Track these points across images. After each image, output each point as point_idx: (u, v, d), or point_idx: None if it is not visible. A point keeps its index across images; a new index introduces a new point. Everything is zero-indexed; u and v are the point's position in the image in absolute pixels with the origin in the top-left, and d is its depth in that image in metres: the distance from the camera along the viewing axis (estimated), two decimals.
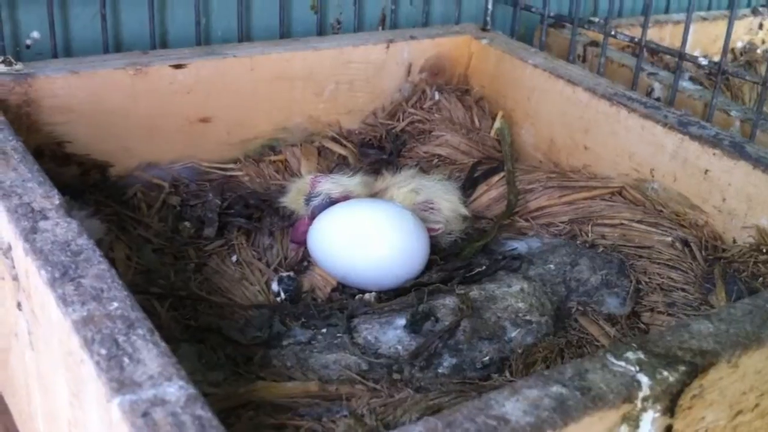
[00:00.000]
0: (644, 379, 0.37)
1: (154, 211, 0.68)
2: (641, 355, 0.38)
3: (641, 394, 0.36)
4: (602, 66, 0.81)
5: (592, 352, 0.55)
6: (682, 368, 0.38)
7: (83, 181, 0.70)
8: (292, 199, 0.67)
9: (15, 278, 0.46)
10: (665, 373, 0.37)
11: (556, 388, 0.36)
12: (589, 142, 0.73)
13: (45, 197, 0.48)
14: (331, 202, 0.65)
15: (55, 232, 0.44)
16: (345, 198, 0.65)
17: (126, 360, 0.35)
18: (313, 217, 0.64)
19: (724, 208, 0.63)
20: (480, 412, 0.34)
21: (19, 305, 0.47)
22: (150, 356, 0.36)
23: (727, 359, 0.39)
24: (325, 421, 0.42)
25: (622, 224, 0.66)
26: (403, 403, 0.44)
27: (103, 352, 0.36)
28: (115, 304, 0.39)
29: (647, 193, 0.68)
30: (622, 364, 0.38)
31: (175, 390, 0.34)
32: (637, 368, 0.37)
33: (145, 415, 0.32)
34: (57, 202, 0.48)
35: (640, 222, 0.65)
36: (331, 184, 0.66)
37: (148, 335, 0.37)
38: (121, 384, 0.34)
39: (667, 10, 1.13)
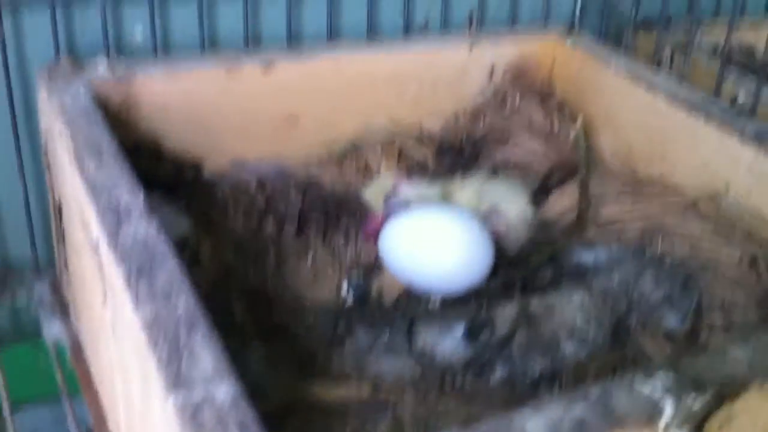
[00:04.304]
0: (668, 404, 0.38)
1: (240, 208, 0.72)
2: (670, 379, 0.39)
3: (664, 420, 0.38)
4: (687, 72, 0.80)
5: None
6: (709, 395, 0.39)
7: (178, 177, 0.74)
8: (373, 194, 0.70)
9: (101, 273, 0.51)
10: (690, 399, 0.38)
11: (579, 409, 0.37)
12: (667, 151, 0.73)
13: (131, 195, 0.52)
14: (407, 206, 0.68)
15: (137, 230, 0.49)
16: None
17: (184, 359, 0.39)
18: (387, 216, 0.67)
19: None
20: (501, 428, 0.36)
21: (105, 297, 0.52)
22: (206, 357, 0.39)
23: (759, 387, 0.40)
24: (368, 426, 0.45)
25: (692, 238, 0.66)
26: (446, 412, 0.47)
27: (165, 350, 0.39)
28: (182, 304, 0.43)
29: (721, 207, 0.68)
30: (649, 387, 0.39)
31: (224, 391, 0.37)
32: (664, 392, 0.39)
33: (194, 413, 0.36)
34: (142, 200, 0.52)
35: (710, 237, 0.65)
36: (412, 191, 0.69)
37: (207, 335, 0.41)
38: (176, 383, 0.38)
39: None
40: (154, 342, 0.40)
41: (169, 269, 0.45)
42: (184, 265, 0.63)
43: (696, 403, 0.38)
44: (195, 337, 0.40)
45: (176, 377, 0.38)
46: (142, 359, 0.41)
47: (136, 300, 0.43)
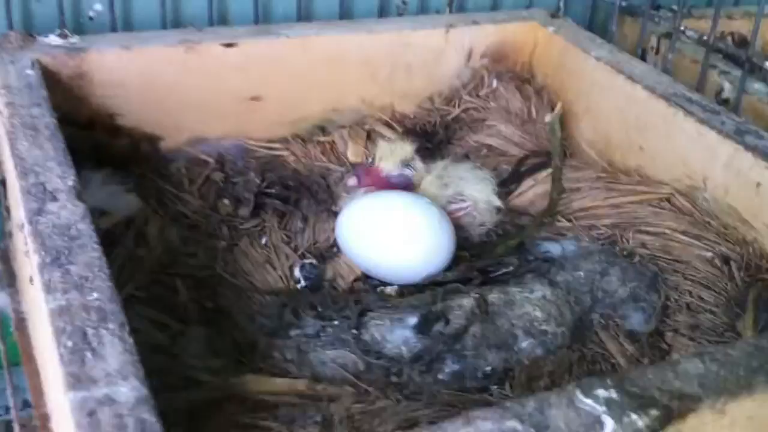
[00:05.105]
0: (608, 422, 0.35)
1: (195, 187, 0.69)
2: (613, 394, 0.36)
3: None
4: (670, 62, 0.77)
5: (604, 370, 0.53)
6: (654, 412, 0.36)
7: (133, 152, 0.71)
8: (385, 151, 0.67)
9: (27, 254, 0.48)
10: (634, 417, 0.35)
11: (511, 423, 0.34)
12: (645, 143, 0.70)
13: (60, 177, 0.49)
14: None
15: (59, 215, 0.46)
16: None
17: (89, 355, 0.36)
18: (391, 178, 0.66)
19: None
20: None
21: (30, 279, 0.49)
22: (113, 352, 0.36)
23: (711, 405, 0.37)
24: (295, 426, 0.42)
25: (664, 233, 0.63)
26: (382, 412, 0.44)
27: (69, 344, 0.37)
28: (95, 295, 0.40)
29: (698, 203, 0.65)
30: (590, 402, 0.36)
31: (127, 390, 0.34)
32: (605, 408, 0.36)
33: (91, 414, 0.33)
34: (71, 183, 0.49)
35: (683, 233, 0.62)
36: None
37: (118, 330, 0.38)
38: (77, 379, 0.35)
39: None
40: (59, 335, 0.37)
41: (89, 256, 0.42)
42: (130, 245, 0.60)
43: (640, 420, 0.35)
44: (104, 330, 0.38)
45: (77, 375, 0.35)
46: (51, 350, 0.38)
47: (48, 288, 0.40)
